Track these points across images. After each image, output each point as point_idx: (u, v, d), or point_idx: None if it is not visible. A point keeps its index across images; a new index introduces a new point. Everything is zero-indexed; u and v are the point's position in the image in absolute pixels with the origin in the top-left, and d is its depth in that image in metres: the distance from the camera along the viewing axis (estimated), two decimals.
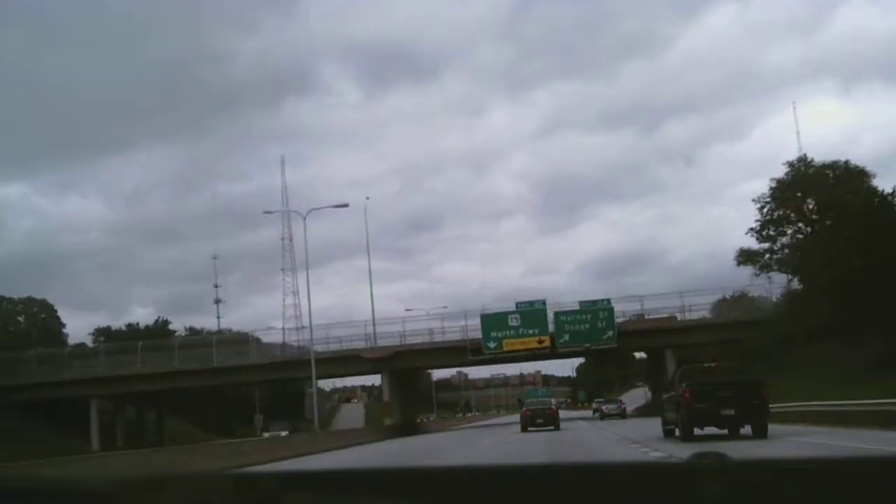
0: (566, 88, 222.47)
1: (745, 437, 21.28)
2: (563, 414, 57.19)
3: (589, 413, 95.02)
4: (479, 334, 59.81)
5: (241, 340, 65.54)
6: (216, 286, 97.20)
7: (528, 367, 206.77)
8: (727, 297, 61.25)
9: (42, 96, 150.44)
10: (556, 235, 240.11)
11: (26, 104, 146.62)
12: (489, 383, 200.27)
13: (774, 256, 54.72)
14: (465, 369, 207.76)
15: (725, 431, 22.32)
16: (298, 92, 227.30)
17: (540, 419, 39.66)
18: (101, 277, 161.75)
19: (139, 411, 69.55)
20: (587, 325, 59.03)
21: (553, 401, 51.48)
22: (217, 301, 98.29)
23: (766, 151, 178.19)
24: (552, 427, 38.76)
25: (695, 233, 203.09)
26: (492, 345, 59.49)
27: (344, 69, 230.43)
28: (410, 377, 69.56)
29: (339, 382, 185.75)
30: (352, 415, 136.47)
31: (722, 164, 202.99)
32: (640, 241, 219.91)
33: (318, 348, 61.23)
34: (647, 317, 60.44)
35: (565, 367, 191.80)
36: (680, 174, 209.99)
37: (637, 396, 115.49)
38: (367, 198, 63.56)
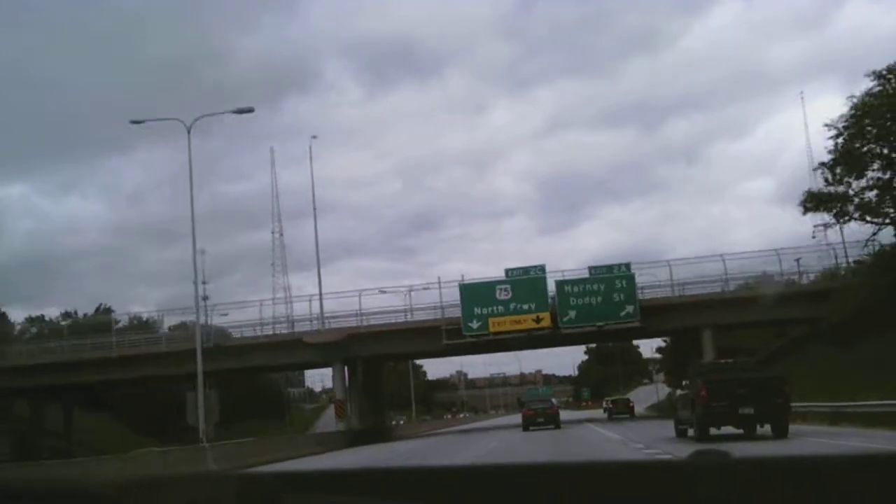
0: (568, 86, 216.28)
1: (764, 437, 19.43)
2: (567, 415, 52.26)
3: (593, 413, 79.82)
4: (458, 312, 43.75)
5: (155, 326, 49.67)
6: (204, 283, 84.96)
7: (529, 367, 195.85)
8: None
9: (42, 96, 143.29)
10: (558, 234, 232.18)
11: (26, 104, 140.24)
12: (490, 383, 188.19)
13: (854, 201, 38.39)
14: (464, 368, 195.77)
15: (741, 431, 20.42)
16: (299, 90, 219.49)
17: (541, 418, 39.37)
18: (102, 278, 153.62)
19: (37, 410, 53.37)
20: (599, 299, 42.70)
21: (554, 400, 45.84)
22: (205, 298, 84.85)
23: (769, 149, 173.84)
24: (553, 426, 38.45)
25: (697, 231, 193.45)
26: (474, 324, 43.18)
27: (345, 67, 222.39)
28: (377, 370, 53.35)
29: (329, 382, 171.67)
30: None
31: (724, 162, 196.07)
32: (642, 240, 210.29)
33: (251, 333, 45.32)
34: (677, 287, 44.24)
35: (566, 366, 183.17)
36: (682, 172, 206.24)
37: (647, 394, 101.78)
38: (314, 136, 47.01)
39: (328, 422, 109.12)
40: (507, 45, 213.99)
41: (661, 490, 1.30)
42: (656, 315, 42.90)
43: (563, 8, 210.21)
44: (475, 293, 43.45)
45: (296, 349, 44.05)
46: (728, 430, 20.45)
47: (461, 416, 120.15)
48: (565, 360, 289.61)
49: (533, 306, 42.85)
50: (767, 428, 19.80)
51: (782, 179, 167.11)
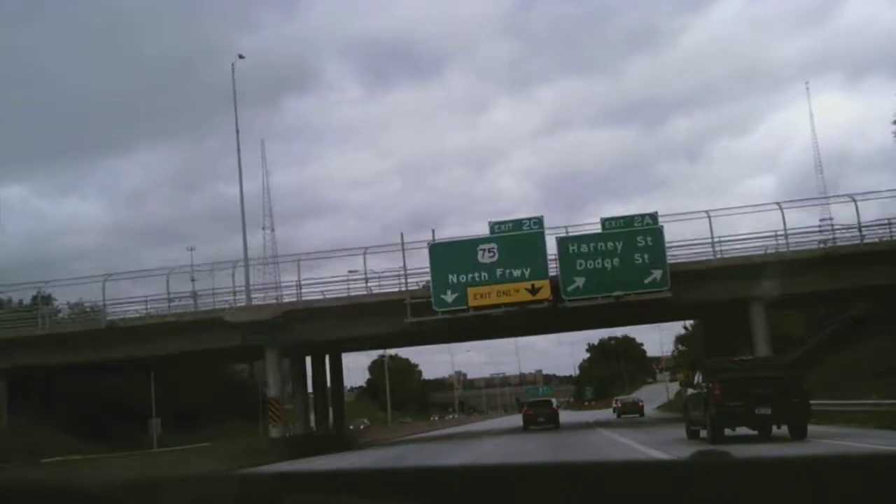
0: (570, 85, 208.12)
1: (781, 439, 17.37)
2: (571, 416, 47.86)
3: (598, 413, 68.16)
4: (428, 280, 31.78)
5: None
6: (193, 280, 74.44)
7: (528, 367, 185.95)
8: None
9: (41, 96, 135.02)
10: (560, 234, 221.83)
11: (25, 105, 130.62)
12: (489, 383, 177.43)
13: None
14: (464, 369, 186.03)
15: (756, 432, 18.59)
16: (299, 90, 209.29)
17: (541, 418, 37.26)
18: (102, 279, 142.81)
19: None
20: (616, 261, 30.58)
21: (554, 401, 43.29)
22: (193, 294, 74.05)
23: (771, 147, 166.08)
24: (553, 426, 36.43)
25: (699, 230, 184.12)
26: (448, 297, 31.03)
27: (345, 66, 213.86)
28: (336, 361, 41.33)
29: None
30: None
31: (726, 159, 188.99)
32: None
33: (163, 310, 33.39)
34: (719, 249, 32.07)
35: (567, 367, 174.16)
36: (684, 170, 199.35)
37: (652, 393, 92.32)
38: (241, 56, 34.80)
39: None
40: (507, 43, 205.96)
41: (661, 490, 1.24)
42: (689, 284, 30.76)
43: (564, 6, 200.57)
44: (449, 255, 31.34)
45: (214, 331, 31.96)
46: (741, 431, 18.77)
47: (450, 417, 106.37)
48: (566, 360, 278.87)
49: (527, 272, 30.72)
50: (782, 430, 18.08)
51: (784, 176, 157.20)
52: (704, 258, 31.66)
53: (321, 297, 32.59)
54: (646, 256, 30.39)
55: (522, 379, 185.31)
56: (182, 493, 1.56)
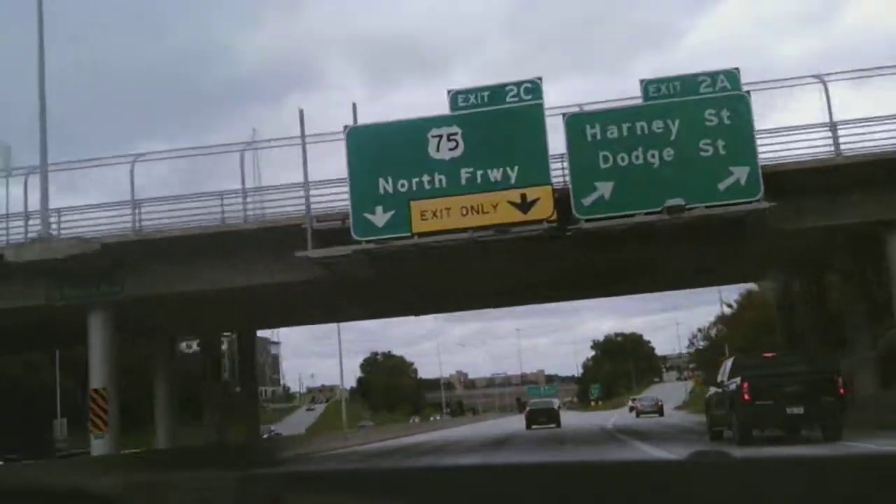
0: (573, 84, 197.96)
1: (813, 441, 15.51)
2: (578, 418, 46.10)
3: (613, 415, 55.51)
4: (346, 196, 18.12)
5: None
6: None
7: (530, 367, 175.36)
8: None
9: (43, 94, 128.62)
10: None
11: (25, 103, 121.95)
12: (490, 383, 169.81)
13: None
14: (465, 368, 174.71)
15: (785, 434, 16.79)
16: (303, 88, 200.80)
17: (543, 417, 36.73)
18: None
19: None
20: (669, 153, 16.62)
21: (556, 401, 40.88)
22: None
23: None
24: (554, 425, 35.80)
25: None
26: (378, 216, 17.16)
27: (349, 66, 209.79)
28: (246, 343, 27.68)
29: (318, 379, 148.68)
30: (303, 422, 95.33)
31: None
32: None
33: None
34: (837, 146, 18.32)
35: (570, 366, 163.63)
36: None
37: (668, 392, 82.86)
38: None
39: (288, 426, 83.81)
40: (512, 42, 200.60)
41: (661, 490, 1.21)
42: (790, 197, 16.93)
43: (569, 4, 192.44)
44: (381, 148, 17.42)
45: None
46: (770, 431, 16.53)
47: (433, 419, 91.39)
48: (569, 360, 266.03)
49: (513, 173, 16.76)
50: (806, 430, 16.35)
51: None
52: (819, 157, 17.80)
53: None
54: (721, 144, 16.47)
55: (524, 379, 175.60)
56: (183, 494, 1.52)
